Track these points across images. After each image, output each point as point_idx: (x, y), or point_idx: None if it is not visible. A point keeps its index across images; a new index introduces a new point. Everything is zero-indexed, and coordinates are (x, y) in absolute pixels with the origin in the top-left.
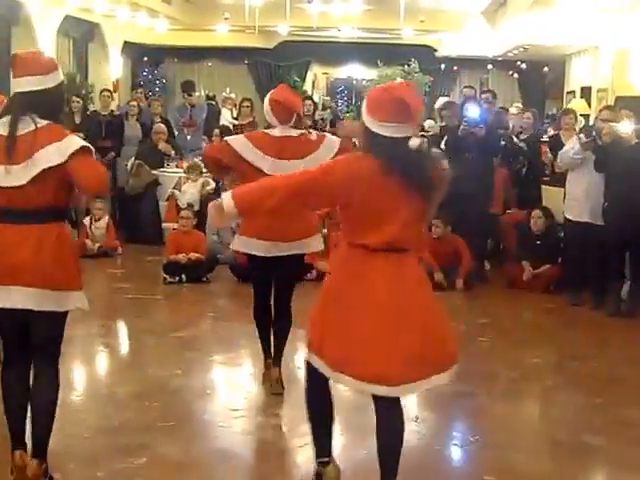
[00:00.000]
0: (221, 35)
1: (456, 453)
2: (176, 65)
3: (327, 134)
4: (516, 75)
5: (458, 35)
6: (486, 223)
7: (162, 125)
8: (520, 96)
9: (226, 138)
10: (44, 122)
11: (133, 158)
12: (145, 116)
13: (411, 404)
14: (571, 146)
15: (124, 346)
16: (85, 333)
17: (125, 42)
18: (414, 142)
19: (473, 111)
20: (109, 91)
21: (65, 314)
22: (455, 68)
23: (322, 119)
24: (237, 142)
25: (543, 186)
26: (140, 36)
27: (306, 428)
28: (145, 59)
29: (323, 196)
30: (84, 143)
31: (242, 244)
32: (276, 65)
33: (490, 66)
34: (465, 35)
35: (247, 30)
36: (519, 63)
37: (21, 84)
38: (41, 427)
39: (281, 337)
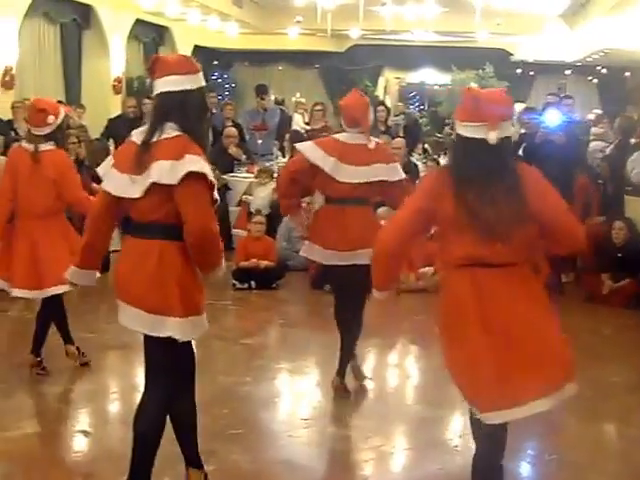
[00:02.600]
0: (292, 39)
1: (532, 472)
2: (246, 69)
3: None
4: (595, 80)
5: (535, 39)
6: None
7: (233, 129)
8: (599, 103)
9: (298, 145)
10: (173, 133)
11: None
12: (216, 120)
13: None
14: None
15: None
16: None
17: (195, 46)
18: (492, 136)
19: (553, 118)
20: None
21: (173, 340)
22: (531, 73)
23: (396, 125)
24: (303, 146)
25: (626, 196)
26: (210, 40)
27: (376, 440)
28: (215, 63)
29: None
30: (200, 168)
31: (308, 250)
32: (347, 69)
33: (568, 71)
34: (542, 39)
35: (318, 34)
36: (599, 68)
37: (159, 85)
38: (188, 441)
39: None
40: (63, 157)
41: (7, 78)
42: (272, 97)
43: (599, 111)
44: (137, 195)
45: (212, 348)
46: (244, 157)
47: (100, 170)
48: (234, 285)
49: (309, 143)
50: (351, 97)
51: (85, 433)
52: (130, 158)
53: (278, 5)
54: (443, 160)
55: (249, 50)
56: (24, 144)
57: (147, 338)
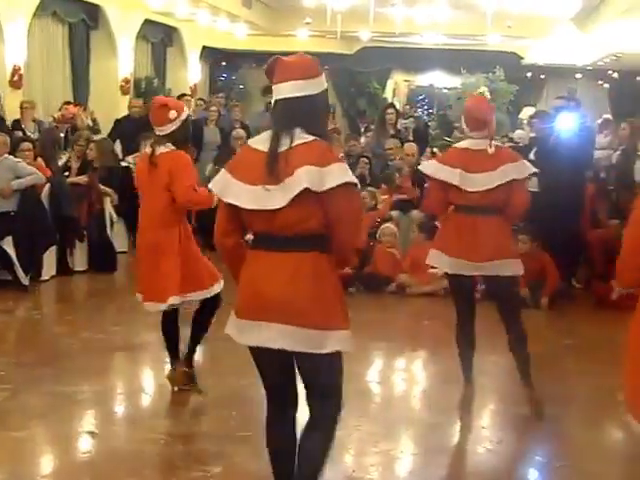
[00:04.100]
0: (301, 40)
1: (541, 479)
2: (254, 70)
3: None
4: (606, 85)
5: (546, 42)
6: (575, 239)
7: (241, 131)
8: (610, 107)
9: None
10: (309, 137)
11: (212, 164)
12: (224, 121)
13: (492, 425)
14: None
15: (201, 353)
16: (158, 339)
17: (204, 47)
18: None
19: (566, 121)
20: (190, 95)
21: (332, 356)
22: (542, 77)
23: (405, 128)
24: (428, 167)
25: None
26: (219, 41)
27: (383, 445)
28: (223, 64)
29: None
30: (350, 177)
31: (434, 259)
32: (356, 71)
33: (579, 75)
34: (553, 42)
35: (328, 35)
36: (610, 72)
37: (284, 89)
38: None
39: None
40: (180, 157)
41: (15, 78)
42: None
43: (609, 116)
44: (281, 205)
45: (219, 349)
46: None
47: (215, 186)
48: None
49: (432, 162)
50: (475, 100)
51: (92, 434)
52: (257, 167)
53: (287, 6)
54: None
55: (257, 51)
56: (147, 148)
57: (298, 360)
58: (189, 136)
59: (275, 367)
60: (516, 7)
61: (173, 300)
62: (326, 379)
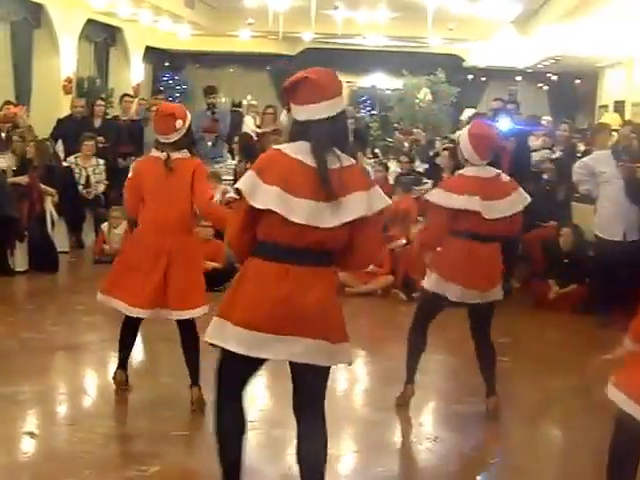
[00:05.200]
0: (243, 41)
1: (475, 475)
2: (197, 71)
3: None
4: (546, 87)
5: (487, 45)
6: (514, 239)
7: None
8: (550, 109)
9: (428, 198)
10: (352, 160)
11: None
12: None
13: (430, 423)
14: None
15: (139, 353)
16: (99, 339)
17: (147, 47)
18: None
19: (504, 123)
20: (131, 96)
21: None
22: (483, 79)
23: None
24: (438, 197)
25: (573, 203)
26: (162, 41)
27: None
28: (166, 64)
29: None
30: (387, 199)
31: (439, 286)
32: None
33: (519, 77)
34: (494, 45)
35: (270, 36)
36: (550, 75)
37: (317, 111)
38: None
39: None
40: (201, 166)
41: None
42: (224, 100)
43: (549, 118)
44: (333, 225)
45: (158, 350)
46: None
47: (245, 186)
48: None
49: (439, 191)
50: (485, 127)
51: (32, 434)
52: (304, 180)
53: (230, 7)
54: (392, 165)
55: (200, 52)
56: (154, 153)
57: (305, 371)
58: (193, 142)
59: (247, 380)
60: (457, 10)
61: (204, 309)
62: (323, 390)
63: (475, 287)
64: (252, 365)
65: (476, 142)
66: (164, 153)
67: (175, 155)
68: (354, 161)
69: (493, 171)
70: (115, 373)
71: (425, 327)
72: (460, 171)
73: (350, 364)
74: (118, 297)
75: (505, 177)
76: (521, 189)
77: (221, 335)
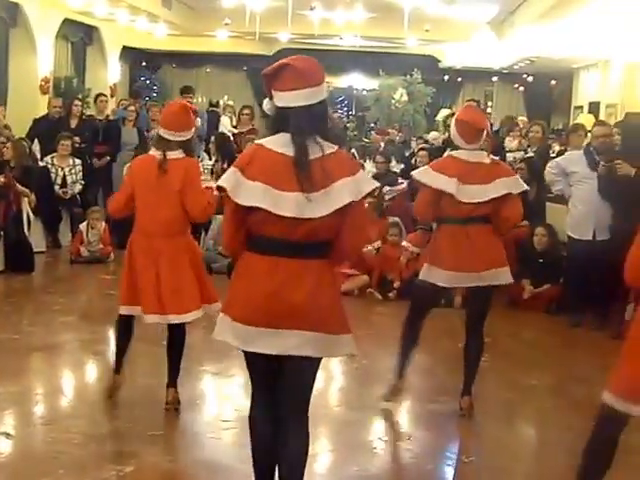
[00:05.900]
0: (220, 41)
1: (449, 473)
2: (174, 71)
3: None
4: (522, 88)
5: (463, 46)
6: None
7: None
8: (525, 110)
9: (414, 175)
10: (334, 146)
11: (129, 164)
12: (142, 121)
13: (405, 422)
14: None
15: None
16: (76, 339)
17: (124, 47)
18: None
19: None
20: (106, 96)
21: (319, 365)
22: (459, 80)
23: None
24: (422, 175)
25: (547, 203)
26: (139, 41)
27: None
28: (143, 64)
29: None
30: (374, 182)
31: (427, 273)
32: None
33: (495, 78)
34: (470, 46)
35: (247, 36)
36: (525, 76)
37: (300, 98)
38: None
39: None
40: (194, 166)
41: None
42: (201, 100)
43: (524, 118)
44: (322, 215)
45: (133, 350)
46: None
47: (228, 184)
48: None
49: (426, 169)
50: (469, 111)
51: (7, 435)
52: (285, 172)
53: (207, 7)
54: (369, 165)
55: (177, 52)
56: (152, 151)
57: (298, 366)
58: (195, 145)
59: (269, 372)
60: (434, 11)
61: (196, 314)
62: (311, 388)
63: (469, 269)
64: (261, 360)
65: (461, 127)
66: (160, 152)
67: (171, 155)
68: (336, 147)
69: (483, 156)
70: (113, 378)
71: (418, 321)
72: (451, 152)
73: (354, 355)
74: (137, 304)
75: (500, 164)
76: (517, 177)
77: (224, 331)
